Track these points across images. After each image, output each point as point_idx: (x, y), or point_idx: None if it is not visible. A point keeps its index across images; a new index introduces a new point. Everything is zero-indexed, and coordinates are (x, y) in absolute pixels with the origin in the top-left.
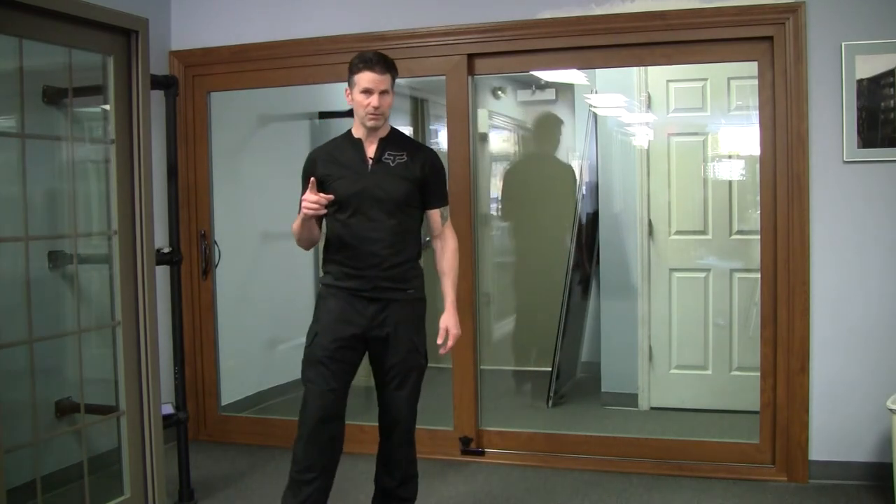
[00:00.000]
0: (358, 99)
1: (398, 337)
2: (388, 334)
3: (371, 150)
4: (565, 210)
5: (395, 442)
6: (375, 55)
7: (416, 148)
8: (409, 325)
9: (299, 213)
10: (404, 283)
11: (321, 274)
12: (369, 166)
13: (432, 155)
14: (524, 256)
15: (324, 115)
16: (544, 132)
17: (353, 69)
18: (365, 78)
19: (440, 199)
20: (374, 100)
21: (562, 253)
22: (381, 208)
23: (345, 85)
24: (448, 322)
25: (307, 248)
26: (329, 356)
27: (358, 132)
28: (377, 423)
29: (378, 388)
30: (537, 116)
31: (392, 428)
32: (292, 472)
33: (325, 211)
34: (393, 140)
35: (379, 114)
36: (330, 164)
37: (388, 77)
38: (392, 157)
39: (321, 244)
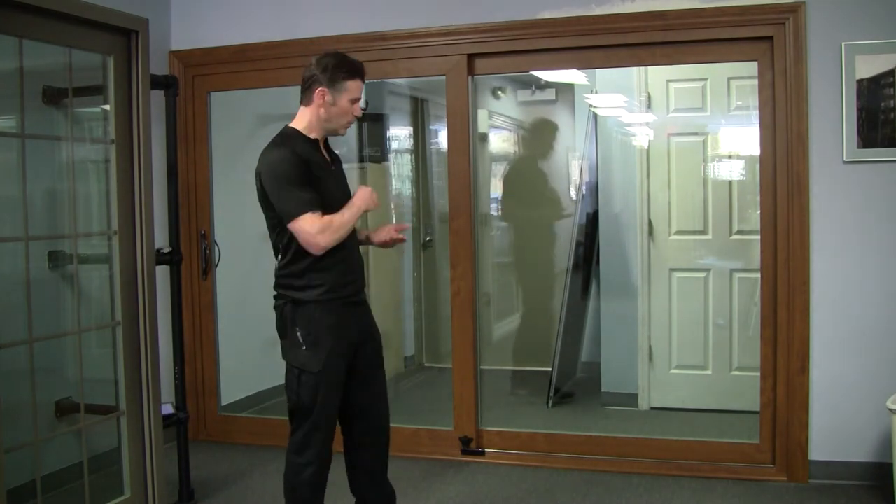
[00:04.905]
0: (345, 106)
1: (374, 336)
2: (368, 332)
3: (325, 153)
4: (564, 211)
5: (381, 450)
6: (358, 61)
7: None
8: (375, 323)
9: (309, 209)
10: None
11: (297, 290)
12: (332, 168)
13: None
14: (524, 256)
15: None
16: (542, 136)
17: (344, 75)
18: (357, 87)
19: None
20: (357, 109)
21: (562, 253)
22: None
23: None
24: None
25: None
26: (340, 377)
27: (313, 134)
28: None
29: (356, 392)
30: (535, 121)
31: (377, 434)
32: (300, 499)
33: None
34: (327, 144)
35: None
36: (314, 164)
37: None
38: (337, 161)
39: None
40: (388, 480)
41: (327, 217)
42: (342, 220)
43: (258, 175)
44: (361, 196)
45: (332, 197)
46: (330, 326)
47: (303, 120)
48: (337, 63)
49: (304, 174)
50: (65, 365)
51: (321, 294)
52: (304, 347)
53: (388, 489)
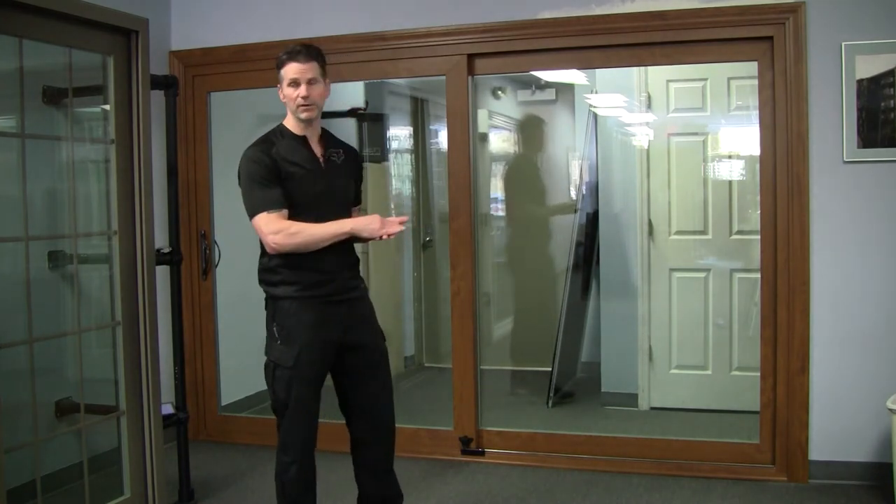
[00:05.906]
0: (287, 93)
1: (369, 329)
2: (360, 331)
3: (318, 149)
4: (563, 211)
5: (383, 449)
6: (298, 45)
7: (347, 146)
8: (373, 316)
9: (266, 208)
10: (358, 279)
11: (273, 285)
12: (322, 165)
13: (358, 154)
14: (524, 256)
15: (323, 115)
16: (531, 134)
17: (279, 64)
18: (290, 70)
19: (359, 197)
20: (302, 90)
21: (562, 253)
22: (337, 207)
23: (345, 85)
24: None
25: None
26: (316, 374)
27: (299, 130)
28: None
29: (353, 392)
30: (522, 119)
31: (378, 433)
32: (290, 497)
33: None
34: (329, 138)
35: (310, 103)
36: (287, 162)
37: (313, 65)
38: (336, 156)
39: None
40: (396, 481)
41: (296, 223)
42: (314, 230)
43: (237, 174)
44: (365, 218)
45: (311, 195)
46: (305, 323)
47: (289, 118)
48: (276, 60)
49: (271, 173)
50: (65, 365)
51: (296, 291)
52: (279, 342)
53: (393, 490)
